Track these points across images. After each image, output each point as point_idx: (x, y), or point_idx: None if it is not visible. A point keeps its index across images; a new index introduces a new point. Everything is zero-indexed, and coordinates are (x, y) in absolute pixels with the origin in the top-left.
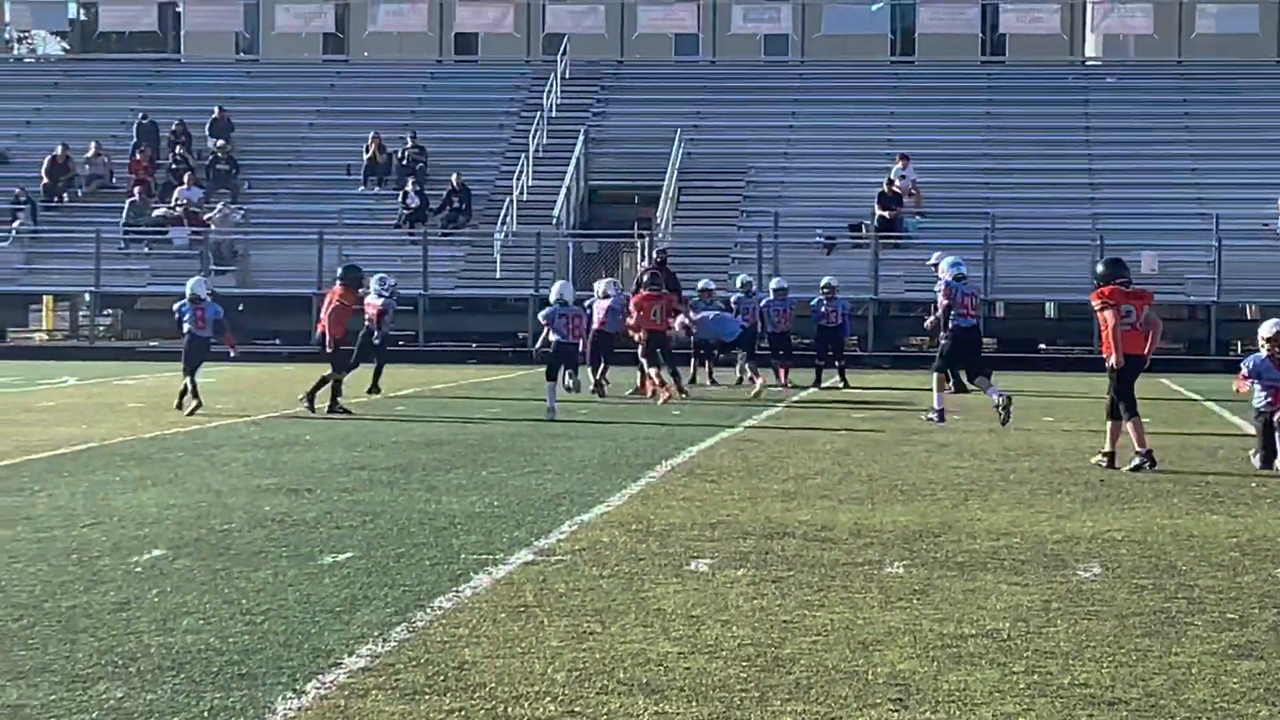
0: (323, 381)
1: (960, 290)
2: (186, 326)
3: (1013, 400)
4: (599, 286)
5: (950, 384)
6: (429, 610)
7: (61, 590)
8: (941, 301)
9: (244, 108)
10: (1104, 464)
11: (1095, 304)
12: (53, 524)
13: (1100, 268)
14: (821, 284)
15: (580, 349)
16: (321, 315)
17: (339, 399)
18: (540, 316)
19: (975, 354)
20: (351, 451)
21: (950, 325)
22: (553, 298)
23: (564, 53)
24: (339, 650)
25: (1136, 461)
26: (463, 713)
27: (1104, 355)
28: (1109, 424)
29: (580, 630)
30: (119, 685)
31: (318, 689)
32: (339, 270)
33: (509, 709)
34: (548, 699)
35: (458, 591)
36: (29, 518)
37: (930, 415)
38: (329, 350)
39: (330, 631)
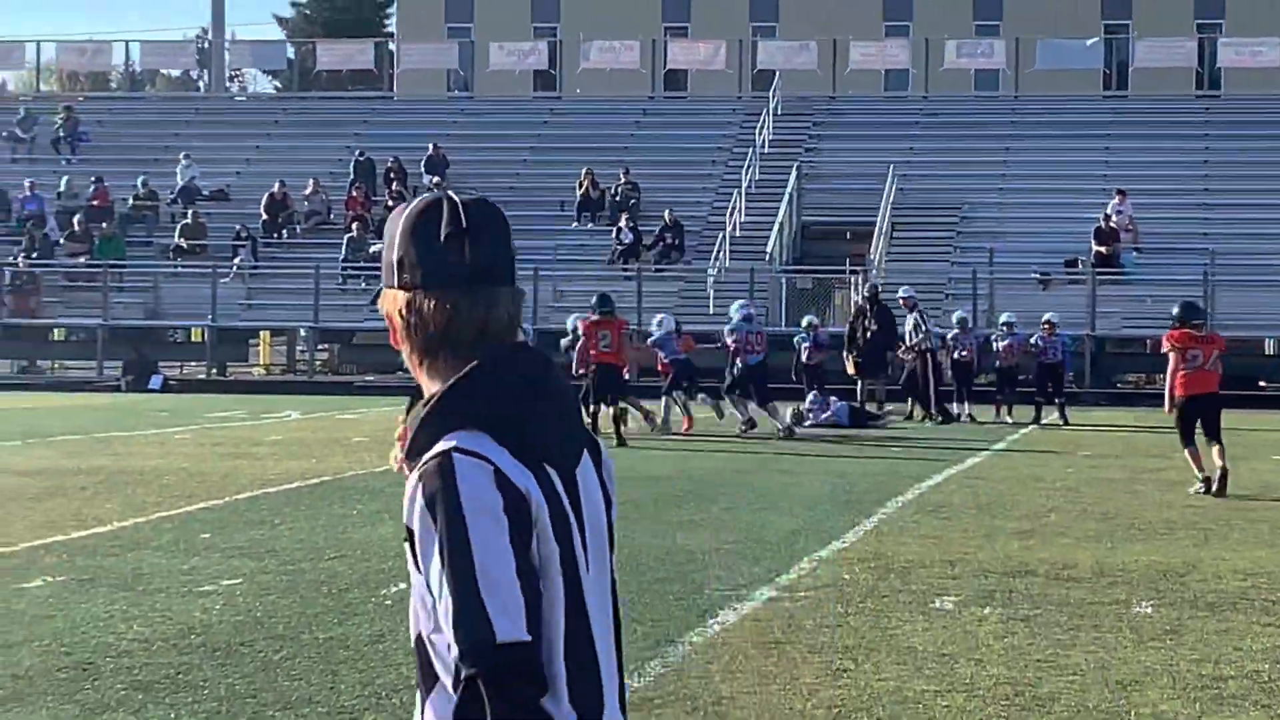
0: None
1: (745, 330)
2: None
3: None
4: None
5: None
6: (681, 645)
7: (316, 622)
8: (729, 343)
9: (458, 144)
10: (1203, 490)
11: (1164, 347)
12: (298, 557)
13: (1176, 310)
14: (1043, 320)
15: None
16: (596, 349)
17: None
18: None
19: (764, 384)
20: None
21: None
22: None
23: (776, 89)
24: None
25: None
26: None
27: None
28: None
29: (834, 667)
30: (384, 716)
31: None
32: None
33: None
34: None
35: (706, 627)
36: (274, 550)
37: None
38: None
39: None
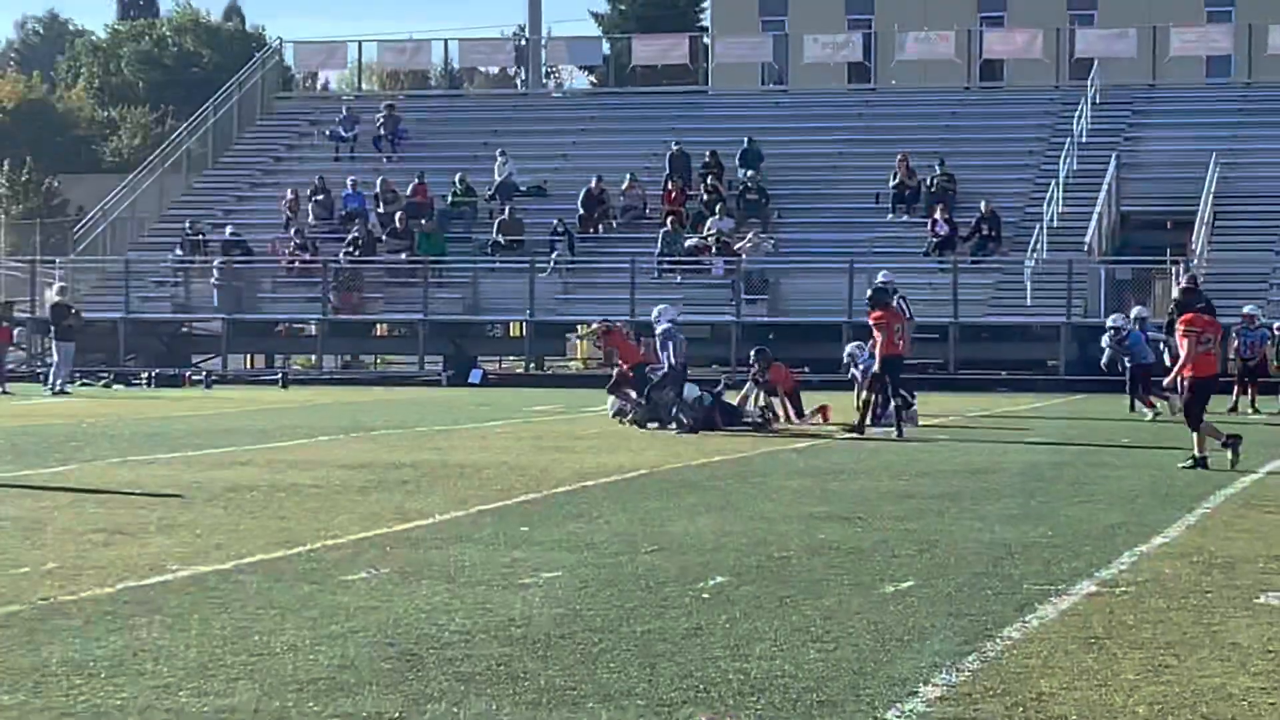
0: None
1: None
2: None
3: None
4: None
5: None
6: (998, 640)
7: (633, 615)
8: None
9: (773, 137)
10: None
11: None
12: (616, 549)
13: (1178, 294)
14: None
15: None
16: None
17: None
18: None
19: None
20: (898, 480)
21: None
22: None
23: (1094, 77)
24: (913, 679)
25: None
26: None
27: (1183, 377)
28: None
29: (1156, 663)
30: (703, 709)
31: (897, 717)
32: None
33: None
34: None
35: (1025, 622)
36: (592, 544)
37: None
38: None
39: (902, 660)
